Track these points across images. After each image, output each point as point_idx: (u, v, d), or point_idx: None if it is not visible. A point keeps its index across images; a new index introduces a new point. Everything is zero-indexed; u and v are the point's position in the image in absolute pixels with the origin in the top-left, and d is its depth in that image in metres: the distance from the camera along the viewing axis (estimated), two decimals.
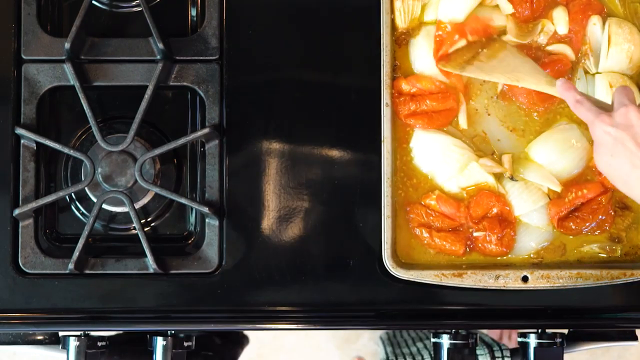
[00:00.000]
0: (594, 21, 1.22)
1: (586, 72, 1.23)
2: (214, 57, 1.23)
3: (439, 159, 1.20)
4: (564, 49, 1.22)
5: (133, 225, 1.21)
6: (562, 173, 1.21)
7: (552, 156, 1.20)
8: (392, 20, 1.22)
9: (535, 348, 1.22)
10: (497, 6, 1.23)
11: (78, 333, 1.22)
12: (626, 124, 1.03)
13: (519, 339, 1.25)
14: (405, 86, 1.21)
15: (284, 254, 1.21)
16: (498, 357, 1.38)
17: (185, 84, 1.23)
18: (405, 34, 1.23)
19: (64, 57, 1.20)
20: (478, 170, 1.20)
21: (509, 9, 1.22)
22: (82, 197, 1.25)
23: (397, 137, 1.21)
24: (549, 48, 1.22)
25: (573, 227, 1.20)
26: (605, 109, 1.06)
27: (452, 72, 1.19)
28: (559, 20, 1.22)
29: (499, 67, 1.18)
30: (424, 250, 1.21)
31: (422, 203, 1.21)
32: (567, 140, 1.21)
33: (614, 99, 1.06)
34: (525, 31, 1.22)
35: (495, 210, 1.20)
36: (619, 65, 1.22)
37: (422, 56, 1.22)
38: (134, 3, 1.26)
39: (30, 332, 1.28)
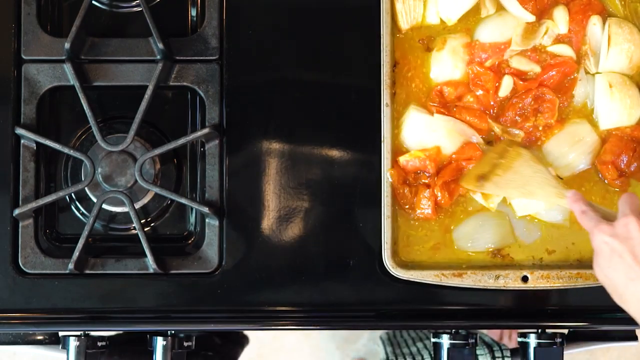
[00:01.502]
0: (594, 21, 1.22)
1: (586, 72, 1.23)
2: (214, 57, 1.23)
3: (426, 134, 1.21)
4: (566, 50, 1.22)
5: (133, 225, 1.21)
6: (570, 167, 1.22)
7: (562, 148, 1.21)
8: (395, 22, 1.22)
9: (535, 348, 1.22)
10: (501, 15, 1.23)
11: (78, 333, 1.22)
12: (625, 235, 1.00)
13: (519, 339, 1.25)
14: (446, 90, 1.21)
15: (284, 254, 1.21)
16: (498, 357, 1.38)
17: (185, 84, 1.23)
18: (428, 38, 1.23)
19: (64, 57, 1.20)
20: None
21: (529, 17, 1.21)
22: (82, 197, 1.25)
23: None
24: (550, 49, 1.22)
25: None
26: (610, 219, 1.04)
27: (470, 189, 1.20)
28: (560, 20, 1.21)
29: (513, 181, 1.17)
30: (424, 250, 1.21)
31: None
32: (577, 134, 1.21)
33: (619, 207, 1.03)
34: (530, 34, 1.22)
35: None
36: (619, 65, 1.22)
37: (444, 73, 1.22)
38: (134, 3, 1.26)
39: (30, 332, 1.28)
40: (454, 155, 1.21)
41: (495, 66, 1.21)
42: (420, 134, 1.20)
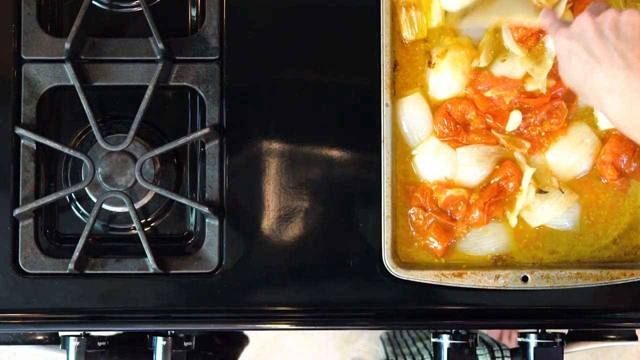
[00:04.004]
0: None
1: None
2: (214, 57, 1.23)
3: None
4: None
5: (133, 225, 1.21)
6: (572, 170, 1.22)
7: (563, 152, 1.21)
8: (399, 33, 1.22)
9: (535, 348, 1.22)
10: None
11: (78, 333, 1.22)
12: (580, 33, 1.02)
13: (519, 339, 1.25)
14: (453, 109, 1.21)
15: (284, 254, 1.21)
16: (498, 357, 1.38)
17: (185, 84, 1.23)
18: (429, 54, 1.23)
19: (64, 57, 1.20)
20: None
21: (520, 53, 1.20)
22: (82, 197, 1.25)
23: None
24: None
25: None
26: None
27: (455, 25, 1.21)
28: None
29: (493, 9, 1.20)
30: (424, 250, 1.21)
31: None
32: (577, 137, 1.21)
33: None
34: (539, 55, 1.21)
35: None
36: None
37: (443, 84, 1.22)
38: (134, 3, 1.26)
39: (30, 332, 1.28)
40: (492, 181, 1.21)
41: (492, 98, 1.21)
42: (442, 167, 1.21)
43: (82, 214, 1.25)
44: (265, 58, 1.23)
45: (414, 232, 1.21)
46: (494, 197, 1.19)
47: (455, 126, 1.20)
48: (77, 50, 1.21)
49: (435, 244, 1.20)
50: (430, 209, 1.21)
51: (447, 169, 1.21)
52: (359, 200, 1.21)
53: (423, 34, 1.22)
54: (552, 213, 1.21)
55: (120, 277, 1.20)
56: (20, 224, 1.20)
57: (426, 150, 1.21)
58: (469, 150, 1.20)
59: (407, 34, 1.22)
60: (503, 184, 1.20)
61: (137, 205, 1.22)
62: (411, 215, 1.21)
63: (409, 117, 1.22)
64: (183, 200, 1.19)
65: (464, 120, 1.21)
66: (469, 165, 1.20)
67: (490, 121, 1.21)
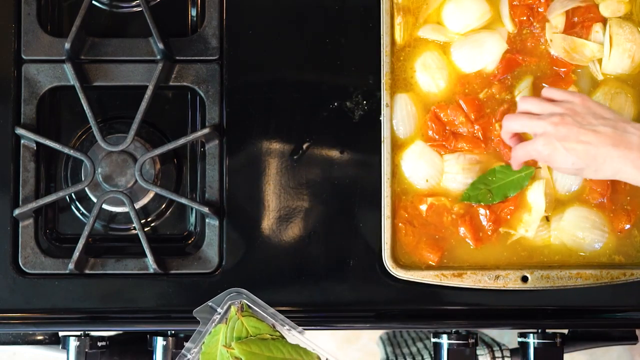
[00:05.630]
0: (597, 29, 1.22)
1: (592, 78, 1.23)
2: (214, 57, 1.23)
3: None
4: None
5: (133, 225, 1.21)
6: (565, 188, 1.22)
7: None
8: (392, 35, 1.22)
9: (535, 348, 1.22)
10: None
11: (78, 333, 1.22)
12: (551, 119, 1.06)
13: (519, 339, 1.25)
14: (441, 113, 1.21)
15: (284, 254, 1.21)
16: (498, 357, 1.38)
17: (185, 84, 1.23)
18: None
19: (64, 57, 1.20)
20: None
21: (510, 28, 1.22)
22: (82, 197, 1.25)
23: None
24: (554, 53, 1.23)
25: None
26: None
27: None
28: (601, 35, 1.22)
29: None
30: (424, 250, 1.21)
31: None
32: None
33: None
34: (580, 47, 1.22)
35: None
36: (621, 66, 1.22)
37: (429, 83, 1.23)
38: (134, 3, 1.26)
39: (30, 332, 1.28)
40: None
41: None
42: (426, 170, 1.21)
43: (82, 214, 1.25)
44: (265, 58, 1.23)
45: (409, 254, 1.21)
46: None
47: (444, 131, 1.21)
48: (77, 50, 1.21)
49: (430, 256, 1.20)
50: (416, 225, 1.20)
51: (430, 172, 1.20)
52: (359, 200, 1.21)
53: (411, 40, 1.23)
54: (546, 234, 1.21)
55: (120, 277, 1.20)
56: (21, 224, 1.20)
57: (410, 152, 1.21)
58: (454, 158, 1.20)
59: (399, 38, 1.22)
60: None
61: (137, 205, 1.22)
62: (402, 230, 1.20)
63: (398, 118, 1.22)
64: (183, 200, 1.19)
65: (454, 126, 1.21)
66: (453, 173, 1.20)
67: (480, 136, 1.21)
